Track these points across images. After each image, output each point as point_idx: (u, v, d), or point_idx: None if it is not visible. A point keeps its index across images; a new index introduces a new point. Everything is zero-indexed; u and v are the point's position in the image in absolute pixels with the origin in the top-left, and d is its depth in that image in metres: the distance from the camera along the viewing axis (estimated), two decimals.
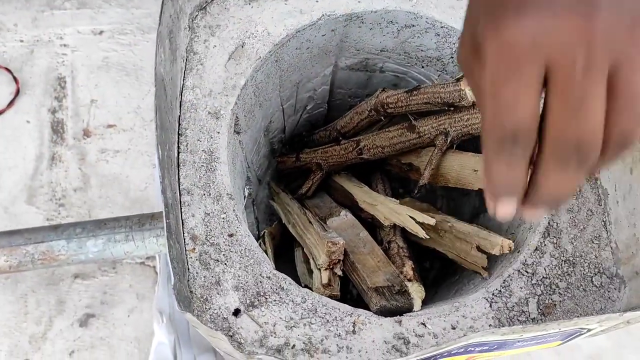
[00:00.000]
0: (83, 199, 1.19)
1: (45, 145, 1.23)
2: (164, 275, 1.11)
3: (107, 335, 1.09)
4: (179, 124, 0.73)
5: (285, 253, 0.99)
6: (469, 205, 1.03)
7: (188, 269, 0.66)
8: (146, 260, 1.14)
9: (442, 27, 0.82)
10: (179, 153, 0.71)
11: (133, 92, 1.28)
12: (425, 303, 0.80)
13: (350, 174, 1.05)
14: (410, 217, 0.82)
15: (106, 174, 1.21)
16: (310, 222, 0.87)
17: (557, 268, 0.70)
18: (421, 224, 0.81)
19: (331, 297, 0.77)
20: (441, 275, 1.08)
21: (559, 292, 0.69)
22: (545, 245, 0.71)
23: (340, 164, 0.99)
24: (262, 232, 0.93)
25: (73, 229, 0.93)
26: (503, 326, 0.67)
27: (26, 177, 1.20)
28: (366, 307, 0.74)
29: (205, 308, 0.65)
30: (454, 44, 0.84)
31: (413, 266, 0.79)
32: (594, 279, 0.70)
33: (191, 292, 0.65)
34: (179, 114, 0.73)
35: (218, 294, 0.66)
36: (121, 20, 1.34)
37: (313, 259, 0.82)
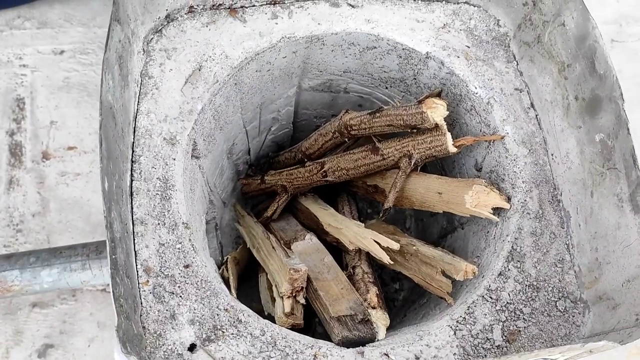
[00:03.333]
0: (42, 224, 1.15)
1: (2, 168, 1.19)
2: None
3: None
4: (133, 151, 0.70)
5: (253, 277, 0.97)
6: (437, 225, 1.02)
7: (141, 303, 0.64)
8: (107, 287, 1.10)
9: (403, 49, 0.82)
10: (132, 181, 0.69)
11: (95, 112, 1.25)
12: (393, 327, 0.79)
13: (317, 195, 1.03)
14: (375, 241, 0.80)
15: (66, 198, 1.17)
16: (273, 247, 0.85)
17: (521, 293, 0.69)
18: (386, 249, 0.80)
19: (294, 326, 0.75)
20: (411, 296, 1.06)
21: (523, 318, 0.68)
22: (509, 270, 0.70)
23: (306, 186, 0.97)
24: (225, 258, 0.90)
25: (27, 258, 0.90)
26: (468, 355, 0.65)
27: None
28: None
29: (159, 344, 0.62)
30: (415, 65, 0.83)
31: (377, 292, 0.78)
32: (558, 304, 0.69)
33: (144, 327, 0.62)
34: (132, 140, 0.70)
35: (173, 328, 0.63)
36: (83, 40, 1.31)
37: (275, 286, 0.79)
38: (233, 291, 0.81)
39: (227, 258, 0.90)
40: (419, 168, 0.85)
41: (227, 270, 0.87)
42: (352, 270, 0.83)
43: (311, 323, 0.94)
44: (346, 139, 0.91)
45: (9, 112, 1.24)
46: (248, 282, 0.97)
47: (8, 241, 1.13)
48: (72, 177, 1.19)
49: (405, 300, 1.08)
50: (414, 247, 0.82)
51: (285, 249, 0.85)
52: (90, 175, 1.20)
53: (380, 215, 0.85)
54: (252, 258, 0.95)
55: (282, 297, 0.77)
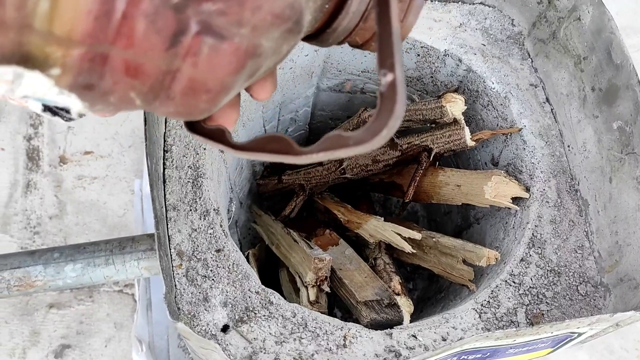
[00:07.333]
0: (59, 226, 1.16)
1: (20, 172, 1.21)
2: (143, 302, 1.08)
3: None
4: (165, 141, 0.72)
5: (269, 277, 0.98)
6: (451, 223, 1.04)
7: (175, 286, 0.65)
8: (124, 288, 1.11)
9: (421, 47, 0.85)
10: (164, 169, 0.70)
11: (111, 117, 1.27)
12: (412, 321, 0.80)
13: (333, 194, 1.05)
14: (396, 233, 0.82)
15: (83, 201, 1.19)
16: (295, 240, 0.86)
17: (543, 278, 0.71)
18: (407, 240, 0.82)
19: None
20: (425, 295, 1.07)
21: (546, 302, 0.69)
22: (530, 255, 0.72)
23: (324, 185, 0.99)
24: (246, 253, 0.91)
25: (51, 254, 0.90)
26: None
27: (0, 205, 1.17)
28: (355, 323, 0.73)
29: (193, 325, 0.63)
30: (433, 63, 0.86)
31: (400, 281, 0.79)
32: (579, 288, 0.71)
33: (178, 308, 0.64)
34: (164, 130, 0.72)
35: (206, 310, 0.65)
36: None
37: (299, 277, 0.81)
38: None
39: (248, 253, 0.91)
40: (437, 162, 0.87)
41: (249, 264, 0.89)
42: (373, 262, 0.85)
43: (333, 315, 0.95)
44: None
45: (27, 118, 1.26)
46: (263, 282, 0.98)
47: (25, 243, 1.14)
48: (88, 181, 1.21)
49: (419, 299, 1.09)
50: (434, 239, 0.84)
51: (307, 242, 0.87)
52: (106, 179, 1.21)
53: (400, 209, 0.87)
54: (268, 258, 0.97)
55: (306, 287, 0.78)
